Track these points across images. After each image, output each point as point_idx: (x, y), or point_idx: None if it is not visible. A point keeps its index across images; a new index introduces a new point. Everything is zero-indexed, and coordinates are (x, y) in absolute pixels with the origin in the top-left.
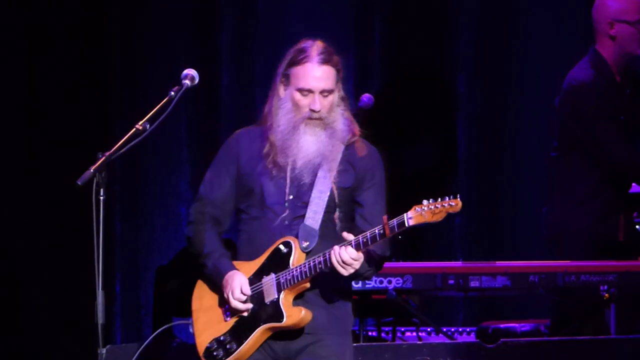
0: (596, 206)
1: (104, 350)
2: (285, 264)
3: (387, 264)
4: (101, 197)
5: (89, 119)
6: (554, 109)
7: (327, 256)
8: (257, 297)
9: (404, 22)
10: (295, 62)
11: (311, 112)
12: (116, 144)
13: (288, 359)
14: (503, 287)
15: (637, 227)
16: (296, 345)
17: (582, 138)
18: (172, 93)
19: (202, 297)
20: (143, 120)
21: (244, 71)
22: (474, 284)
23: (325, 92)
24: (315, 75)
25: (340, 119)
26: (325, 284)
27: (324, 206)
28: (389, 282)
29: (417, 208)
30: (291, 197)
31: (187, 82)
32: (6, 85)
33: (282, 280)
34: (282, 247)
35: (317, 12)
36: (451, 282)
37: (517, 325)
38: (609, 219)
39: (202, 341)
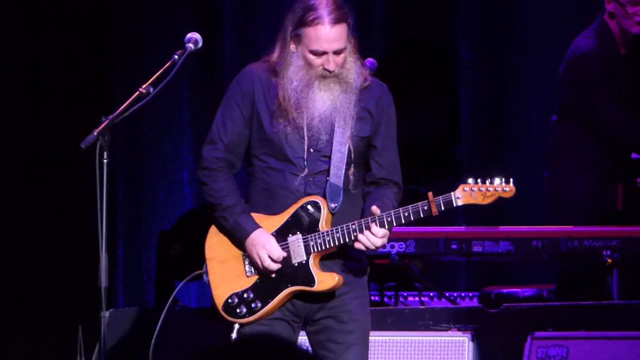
0: (594, 174)
1: (106, 314)
2: (313, 226)
3: None
4: (104, 161)
5: (91, 83)
6: (557, 76)
7: (363, 225)
8: (283, 257)
9: None
10: (306, 22)
11: (325, 71)
12: (119, 107)
13: (308, 315)
14: (506, 252)
15: None
16: (318, 303)
17: (582, 107)
18: (176, 56)
19: (218, 248)
20: (147, 84)
21: (246, 39)
22: (476, 249)
23: (338, 51)
24: (329, 37)
25: (353, 69)
26: None
27: (345, 160)
28: (392, 246)
29: (465, 187)
30: (311, 150)
31: (190, 45)
32: (6, 50)
33: (311, 243)
34: (309, 207)
35: None
36: (454, 247)
37: (519, 290)
38: (608, 186)
39: (220, 294)
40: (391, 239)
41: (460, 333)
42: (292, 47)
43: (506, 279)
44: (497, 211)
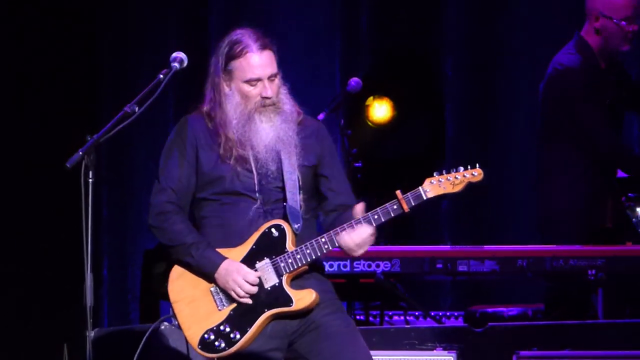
0: (582, 191)
1: (92, 333)
2: (280, 248)
3: (374, 248)
4: (90, 180)
5: (77, 101)
6: (538, 94)
7: (333, 236)
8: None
9: (391, 5)
10: (235, 55)
11: (263, 100)
12: (105, 126)
13: (289, 338)
14: (491, 271)
15: (627, 212)
16: (296, 324)
17: (567, 122)
18: (161, 76)
19: (183, 289)
20: (132, 103)
21: None
22: (462, 268)
23: (272, 77)
24: (260, 63)
25: (286, 99)
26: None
27: (297, 187)
28: (377, 265)
29: (432, 180)
30: (262, 182)
31: (176, 64)
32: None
33: (282, 265)
34: (273, 230)
35: None
36: (439, 266)
37: (504, 309)
38: (596, 204)
39: (194, 333)
40: (376, 257)
41: (445, 352)
42: (225, 87)
43: (491, 298)
44: (482, 230)
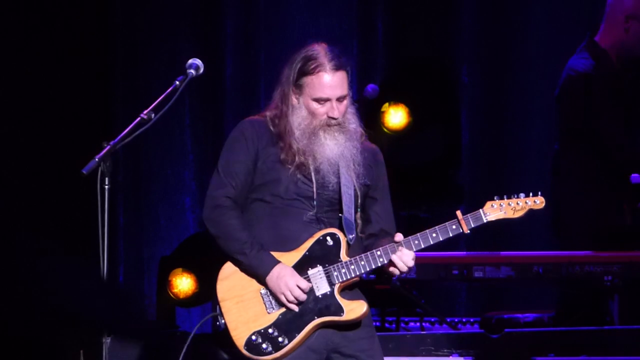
0: (597, 196)
1: (108, 339)
2: (334, 257)
3: None
4: (106, 187)
5: (92, 108)
6: (553, 100)
7: (389, 250)
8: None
9: (407, 12)
10: (308, 71)
11: (329, 119)
12: (120, 133)
13: (334, 348)
14: (507, 277)
15: None
16: (342, 337)
17: (582, 128)
18: (177, 82)
19: (232, 288)
20: (148, 110)
21: (248, 61)
22: (477, 274)
23: (341, 98)
24: (331, 84)
25: (353, 118)
26: None
27: (354, 202)
28: None
29: (492, 204)
30: (320, 192)
31: (192, 71)
32: (8, 75)
33: (335, 274)
34: (328, 238)
35: (320, 1)
36: (455, 272)
37: (520, 315)
38: (612, 208)
39: (240, 334)
40: None
41: (461, 358)
42: (294, 99)
43: (507, 304)
44: (497, 236)
